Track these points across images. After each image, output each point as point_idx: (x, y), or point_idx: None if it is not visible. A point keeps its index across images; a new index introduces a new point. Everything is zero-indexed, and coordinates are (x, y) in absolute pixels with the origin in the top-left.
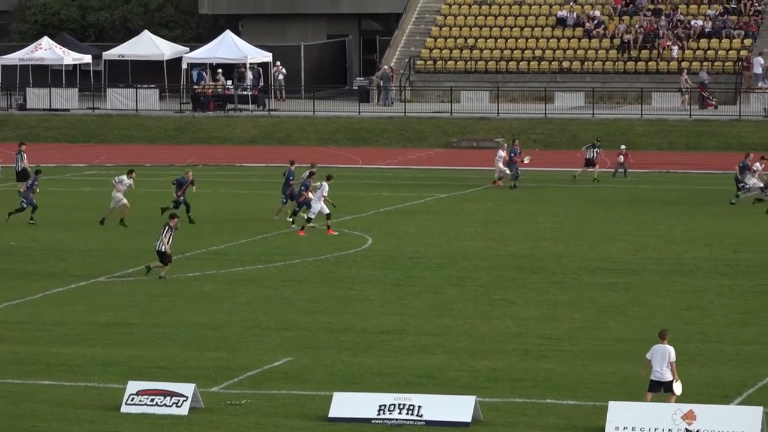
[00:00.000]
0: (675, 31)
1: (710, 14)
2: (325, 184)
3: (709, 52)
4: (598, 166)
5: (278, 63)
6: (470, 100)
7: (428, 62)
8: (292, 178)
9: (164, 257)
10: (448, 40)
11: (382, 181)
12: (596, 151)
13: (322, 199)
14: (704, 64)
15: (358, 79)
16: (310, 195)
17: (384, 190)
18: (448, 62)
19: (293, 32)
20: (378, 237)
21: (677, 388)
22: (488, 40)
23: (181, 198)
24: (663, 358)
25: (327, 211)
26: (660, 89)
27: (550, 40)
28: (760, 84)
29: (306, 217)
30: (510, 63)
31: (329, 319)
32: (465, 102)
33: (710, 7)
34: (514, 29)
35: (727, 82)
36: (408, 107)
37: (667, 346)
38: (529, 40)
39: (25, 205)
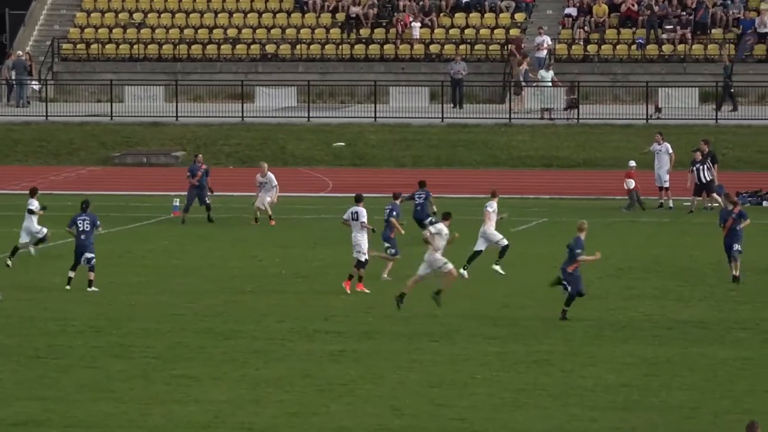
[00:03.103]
0: (420, 3)
1: None
2: (361, 209)
3: (467, 32)
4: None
5: None
6: (138, 98)
7: (79, 46)
8: (396, 214)
9: None
10: (106, 15)
11: (15, 212)
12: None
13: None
14: (460, 47)
15: None
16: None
17: (18, 225)
18: (107, 46)
19: None
20: (10, 291)
21: None
22: (162, 16)
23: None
24: None
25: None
26: (400, 82)
27: (249, 16)
28: (541, 73)
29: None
30: (193, 47)
31: None
32: (131, 101)
33: None
34: (198, 1)
35: (493, 72)
36: (51, 108)
37: None
38: (220, 16)
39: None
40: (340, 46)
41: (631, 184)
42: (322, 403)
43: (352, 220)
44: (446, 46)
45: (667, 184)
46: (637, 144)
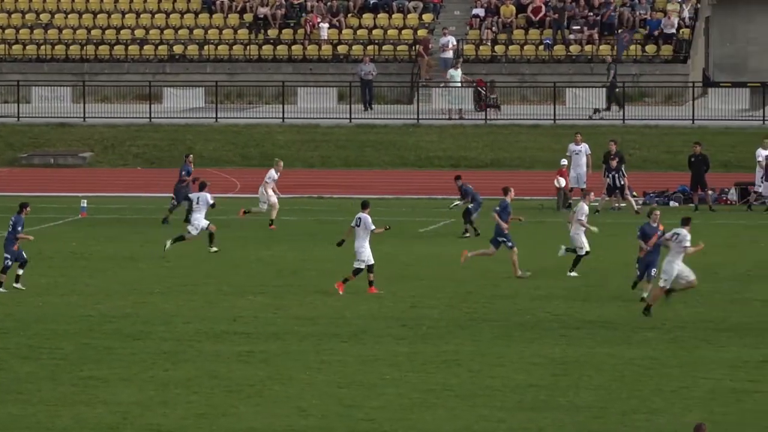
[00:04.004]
0: (328, 4)
1: None
2: (365, 216)
3: (375, 32)
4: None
5: None
6: (45, 99)
7: None
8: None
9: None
10: (12, 15)
11: None
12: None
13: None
14: (368, 48)
15: None
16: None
17: None
18: (14, 46)
19: None
20: None
21: None
22: (69, 16)
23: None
24: None
25: (370, 261)
26: (308, 83)
27: (156, 16)
28: (449, 73)
29: None
30: (100, 48)
31: None
32: (38, 102)
33: None
34: (105, 1)
35: (401, 72)
36: None
37: None
38: (127, 16)
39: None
40: (248, 47)
41: (562, 182)
42: (231, 404)
43: (356, 226)
44: (354, 47)
45: (584, 185)
46: (544, 144)
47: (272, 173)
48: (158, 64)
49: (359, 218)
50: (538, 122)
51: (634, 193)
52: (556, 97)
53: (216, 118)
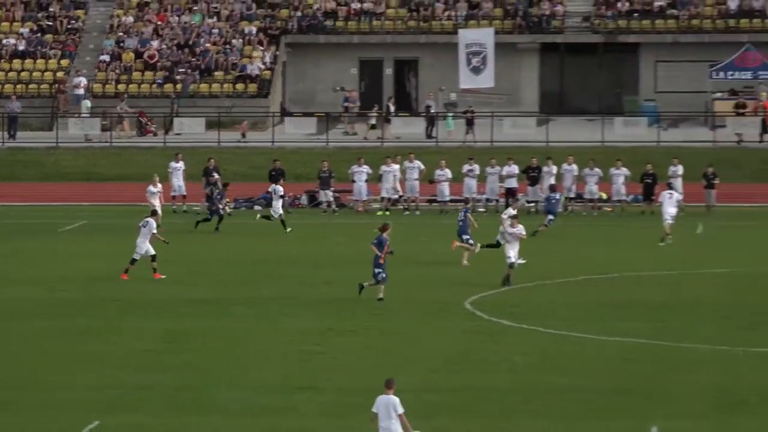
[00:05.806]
0: None
1: (24, 33)
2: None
3: (23, 74)
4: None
5: None
6: None
7: None
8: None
9: None
10: None
11: None
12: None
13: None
14: (17, 87)
15: None
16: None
17: None
18: None
19: None
20: None
21: None
22: None
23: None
24: (388, 411)
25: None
26: None
27: None
28: (85, 104)
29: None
30: None
31: None
32: None
33: (23, 25)
34: None
35: (44, 106)
36: None
37: (392, 397)
38: None
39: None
40: None
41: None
42: None
43: (143, 227)
44: (6, 86)
45: (184, 192)
46: (157, 162)
47: (150, 188)
48: None
49: (147, 221)
50: (152, 145)
51: (227, 200)
52: (167, 125)
53: None
